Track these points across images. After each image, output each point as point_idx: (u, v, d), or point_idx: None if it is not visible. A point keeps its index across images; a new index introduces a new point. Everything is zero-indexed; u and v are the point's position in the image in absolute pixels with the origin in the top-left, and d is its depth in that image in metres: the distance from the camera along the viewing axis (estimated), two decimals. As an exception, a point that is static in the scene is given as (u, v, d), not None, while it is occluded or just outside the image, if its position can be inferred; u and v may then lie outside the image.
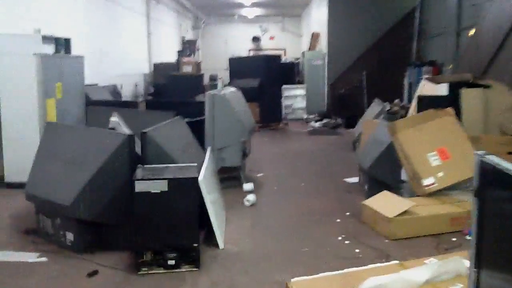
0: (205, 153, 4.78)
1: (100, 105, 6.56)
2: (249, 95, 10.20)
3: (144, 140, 3.75)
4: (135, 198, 3.19)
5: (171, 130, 4.30)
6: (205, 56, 20.41)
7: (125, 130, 4.13)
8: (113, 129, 4.00)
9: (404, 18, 11.85)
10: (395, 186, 4.81)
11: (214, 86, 18.36)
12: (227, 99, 5.32)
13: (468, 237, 3.87)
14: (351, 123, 10.63)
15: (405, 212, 3.91)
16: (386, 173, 4.89)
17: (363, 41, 12.23)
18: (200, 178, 3.55)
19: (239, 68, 10.71)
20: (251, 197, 4.94)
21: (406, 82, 11.22)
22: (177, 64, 10.91)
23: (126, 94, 10.37)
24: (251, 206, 4.87)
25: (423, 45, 11.34)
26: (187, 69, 10.20)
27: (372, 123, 6.49)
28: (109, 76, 9.57)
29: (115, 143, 3.59)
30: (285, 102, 12.69)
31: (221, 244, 3.69)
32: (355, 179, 5.90)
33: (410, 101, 10.70)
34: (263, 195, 5.29)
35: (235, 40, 20.44)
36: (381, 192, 4.40)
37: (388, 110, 7.25)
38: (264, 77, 10.15)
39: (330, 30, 12.53)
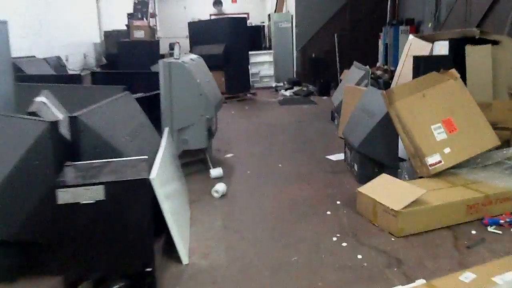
0: (161, 137, 3.87)
1: (35, 81, 5.45)
2: (213, 63, 9.18)
3: (74, 127, 2.79)
4: (59, 213, 2.27)
5: (115, 111, 3.34)
6: (163, 23, 18.98)
7: (53, 114, 3.15)
8: (34, 113, 3.01)
9: (377, -26, 10.96)
10: (392, 166, 4.06)
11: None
12: (187, 68, 4.36)
13: (490, 229, 3.17)
14: (324, 90, 9.85)
15: (413, 202, 3.15)
16: (381, 151, 4.12)
17: (333, 1, 11.32)
18: (152, 176, 2.66)
19: (200, 33, 9.62)
20: (220, 187, 4.08)
21: (381, 43, 10.46)
22: (128, 29, 9.63)
23: (73, 67, 9.15)
24: (221, 198, 4.01)
25: (400, 3, 10.53)
26: (139, 34, 8.94)
27: (355, 90, 5.68)
28: (51, 47, 8.35)
29: (33, 134, 2.62)
30: (251, 70, 11.73)
31: (185, 259, 2.84)
32: (339, 156, 5.13)
33: (386, 63, 9.99)
34: (234, 182, 4.44)
35: (195, 4, 19.04)
36: (379, 176, 3.62)
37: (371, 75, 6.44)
38: (229, 42, 9.13)
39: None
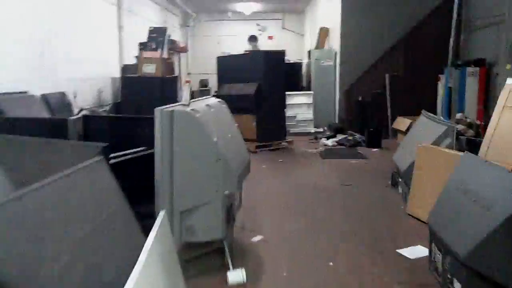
0: (149, 229, 2.37)
1: (8, 125, 4.16)
2: (244, 106, 7.83)
3: None
4: None
5: (61, 203, 1.87)
6: (195, 59, 18.04)
7: None
8: None
9: (437, 8, 9.46)
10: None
11: (206, 93, 15.99)
12: (198, 120, 2.90)
13: None
14: (374, 140, 8.26)
15: None
16: (505, 268, 2.50)
17: (385, 37, 9.87)
18: None
19: (230, 69, 8.30)
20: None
21: (441, 86, 8.87)
22: (137, 62, 8.25)
23: (84, 104, 7.92)
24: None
25: (465, 41, 8.98)
26: (149, 69, 7.48)
27: (436, 152, 4.09)
28: (58, 81, 7.15)
29: None
30: (287, 113, 10.30)
31: None
32: (417, 251, 3.51)
33: (448, 112, 8.36)
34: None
35: (229, 40, 18.00)
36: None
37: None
38: (263, 81, 7.75)
39: (343, 24, 10.15)
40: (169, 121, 2.83)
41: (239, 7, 17.02)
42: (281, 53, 8.14)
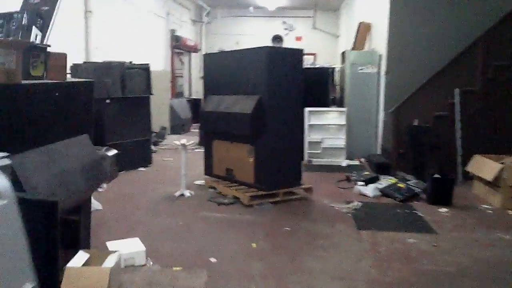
0: None
1: None
2: (236, 130, 5.01)
3: None
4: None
5: None
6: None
7: None
8: None
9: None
10: None
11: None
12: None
13: None
14: (441, 193, 5.24)
15: None
16: None
17: (451, 37, 6.84)
18: None
19: (223, 74, 5.46)
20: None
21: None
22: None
23: None
24: None
25: None
26: None
27: None
28: None
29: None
30: (309, 137, 7.38)
31: None
32: None
33: None
34: None
35: (250, 40, 15.05)
36: None
37: None
38: (268, 92, 4.88)
39: (393, 17, 7.18)
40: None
41: (261, 1, 14.22)
42: (296, 51, 5.19)
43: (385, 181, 5.85)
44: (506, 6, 6.43)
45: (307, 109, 7.24)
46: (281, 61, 4.98)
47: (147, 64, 6.80)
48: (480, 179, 5.56)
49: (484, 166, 5.50)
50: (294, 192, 5.24)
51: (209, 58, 5.79)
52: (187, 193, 5.32)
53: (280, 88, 4.97)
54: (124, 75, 6.32)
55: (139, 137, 6.66)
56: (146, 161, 6.85)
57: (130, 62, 6.66)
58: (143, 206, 4.94)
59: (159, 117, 9.40)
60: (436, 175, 5.27)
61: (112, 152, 3.60)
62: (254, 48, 5.14)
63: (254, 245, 3.83)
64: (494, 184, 5.21)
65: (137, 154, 6.62)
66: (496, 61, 6.37)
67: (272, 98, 4.89)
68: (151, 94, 6.85)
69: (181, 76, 13.87)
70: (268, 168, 5.01)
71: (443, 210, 4.97)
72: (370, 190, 5.51)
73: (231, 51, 5.50)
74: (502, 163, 5.24)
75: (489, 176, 5.25)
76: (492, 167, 5.28)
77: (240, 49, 5.45)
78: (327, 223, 4.47)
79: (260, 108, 4.85)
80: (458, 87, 6.45)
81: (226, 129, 5.17)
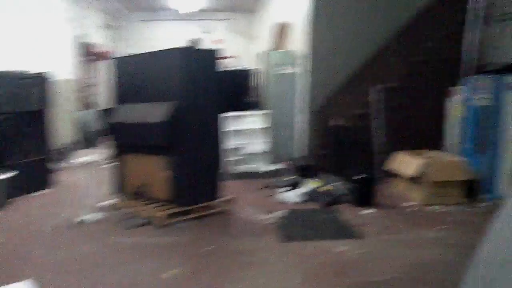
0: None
1: None
2: (150, 141, 4.57)
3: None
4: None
5: None
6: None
7: None
8: None
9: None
10: None
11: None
12: None
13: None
14: (365, 194, 5.11)
15: None
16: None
17: (373, 35, 6.82)
18: None
19: (134, 80, 4.93)
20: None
21: (454, 105, 5.89)
22: None
23: None
24: None
25: (490, 38, 6.03)
26: None
27: None
28: None
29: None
30: (229, 144, 7.02)
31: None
32: None
33: (477, 147, 5.36)
34: None
35: (167, 45, 14.41)
36: None
37: None
38: (184, 98, 4.44)
39: (314, 18, 7.00)
40: None
41: (172, 3, 13.61)
42: (211, 52, 4.79)
43: (310, 184, 5.62)
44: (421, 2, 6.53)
45: (226, 114, 6.87)
46: (197, 62, 4.56)
47: (44, 72, 6.05)
48: (401, 177, 5.52)
49: (405, 163, 5.46)
50: (214, 206, 4.83)
51: (119, 63, 5.21)
52: (92, 216, 4.71)
53: (196, 92, 4.54)
54: (17, 86, 5.56)
55: (36, 156, 5.86)
56: (45, 183, 6.03)
57: (25, 72, 5.89)
58: (39, 237, 4.26)
59: (65, 132, 8.57)
60: (355, 176, 5.13)
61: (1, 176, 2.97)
62: (167, 49, 4.70)
63: (171, 272, 3.38)
64: (415, 180, 5.17)
65: (34, 176, 5.81)
66: (411, 57, 6.42)
67: (189, 103, 4.46)
68: (50, 107, 6.10)
69: (94, 85, 12.94)
70: (185, 181, 4.56)
71: (367, 211, 4.82)
72: (293, 196, 5.24)
73: (143, 53, 4.97)
74: (426, 158, 5.22)
75: (411, 172, 5.20)
76: (414, 163, 5.24)
77: (152, 51, 4.94)
78: (250, 237, 4.12)
79: (176, 115, 4.40)
80: (378, 83, 6.42)
81: (139, 141, 4.65)
